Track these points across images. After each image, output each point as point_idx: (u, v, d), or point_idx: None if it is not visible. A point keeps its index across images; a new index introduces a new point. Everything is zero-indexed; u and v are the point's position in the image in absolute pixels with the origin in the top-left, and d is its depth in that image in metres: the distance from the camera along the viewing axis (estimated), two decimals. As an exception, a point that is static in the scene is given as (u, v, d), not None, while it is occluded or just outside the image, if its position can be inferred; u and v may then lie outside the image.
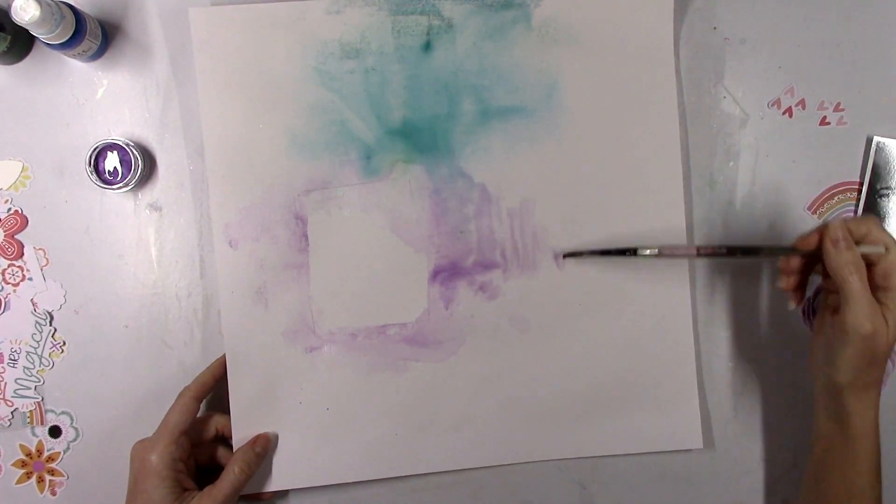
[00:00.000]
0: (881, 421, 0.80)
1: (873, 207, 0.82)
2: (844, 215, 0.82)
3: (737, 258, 0.76)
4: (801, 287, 0.73)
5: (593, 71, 0.79)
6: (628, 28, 0.79)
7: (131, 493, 0.72)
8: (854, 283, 0.66)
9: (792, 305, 0.73)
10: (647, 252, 0.74)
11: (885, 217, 0.82)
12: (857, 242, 0.67)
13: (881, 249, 0.67)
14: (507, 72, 0.78)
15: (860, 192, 0.82)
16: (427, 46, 0.78)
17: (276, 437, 0.78)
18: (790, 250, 0.71)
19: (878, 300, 0.67)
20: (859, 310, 0.65)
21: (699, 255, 0.75)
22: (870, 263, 0.67)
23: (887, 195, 0.82)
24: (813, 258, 0.70)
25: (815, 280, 0.81)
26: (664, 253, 0.74)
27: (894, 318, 0.66)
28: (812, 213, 0.82)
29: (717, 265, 0.82)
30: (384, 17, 0.77)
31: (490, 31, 0.78)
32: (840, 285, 0.67)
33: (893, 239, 0.67)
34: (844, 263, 0.66)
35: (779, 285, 0.73)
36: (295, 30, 0.77)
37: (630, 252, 0.75)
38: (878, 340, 0.66)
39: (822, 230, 0.69)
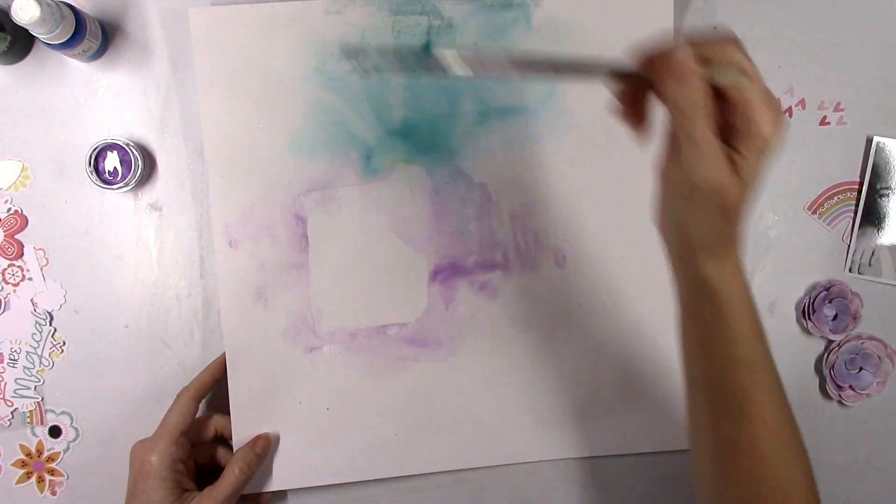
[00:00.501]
0: (881, 421, 0.81)
1: (873, 207, 0.82)
2: (837, 221, 0.82)
3: (561, 78, 0.55)
4: (638, 110, 0.57)
5: (593, 71, 0.79)
6: (628, 28, 0.79)
7: (131, 493, 0.72)
8: (693, 126, 0.49)
9: (635, 135, 0.58)
10: (445, 51, 0.53)
11: (885, 217, 0.82)
12: (708, 67, 0.50)
13: (737, 78, 0.50)
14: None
15: (860, 192, 0.82)
16: (427, 46, 0.78)
17: (277, 437, 0.78)
18: (625, 71, 0.54)
19: (728, 143, 0.50)
20: (699, 161, 0.50)
21: (516, 69, 0.54)
22: (722, 97, 0.50)
23: (887, 195, 0.82)
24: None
25: (824, 277, 0.81)
26: (464, 55, 0.53)
27: (749, 166, 0.50)
28: (812, 213, 0.82)
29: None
30: (384, 17, 0.77)
31: (490, 31, 0.78)
32: (675, 127, 0.51)
33: (753, 64, 0.50)
34: (681, 99, 0.49)
35: (610, 110, 0.58)
36: (295, 30, 0.77)
37: (425, 50, 0.64)
38: (728, 196, 0.51)
39: (662, 53, 0.51)
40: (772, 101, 0.50)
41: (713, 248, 0.55)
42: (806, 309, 0.82)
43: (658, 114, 0.54)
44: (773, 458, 0.57)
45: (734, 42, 0.50)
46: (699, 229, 0.54)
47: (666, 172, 0.56)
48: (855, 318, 0.81)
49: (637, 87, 0.55)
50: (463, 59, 0.53)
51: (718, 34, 0.51)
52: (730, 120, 0.50)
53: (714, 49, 0.50)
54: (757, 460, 0.57)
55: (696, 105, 0.49)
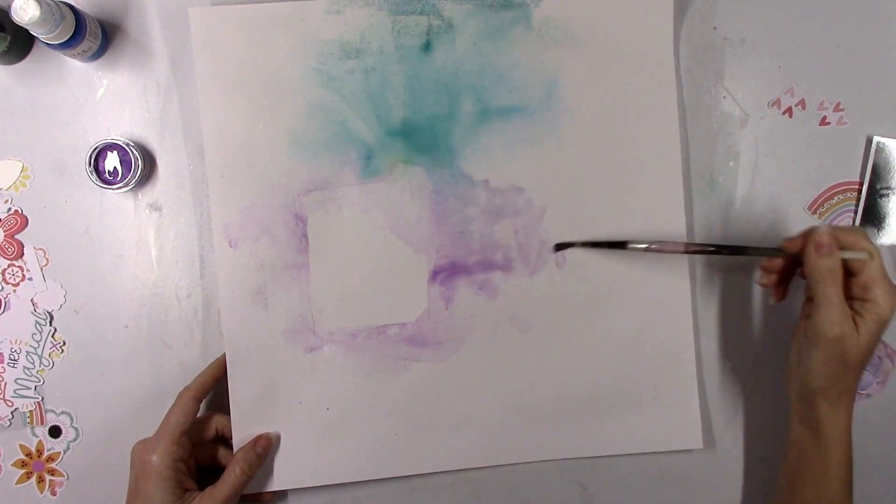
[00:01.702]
0: (881, 421, 0.81)
1: (873, 207, 0.82)
2: (838, 221, 0.82)
3: (724, 255, 0.77)
4: (782, 284, 0.75)
5: (593, 71, 0.79)
6: (628, 28, 0.79)
7: (132, 493, 0.72)
8: (826, 287, 0.66)
9: (772, 300, 0.76)
10: (637, 246, 0.75)
11: (885, 217, 0.82)
12: (842, 249, 0.67)
13: (864, 256, 0.67)
14: (507, 72, 0.78)
15: (860, 192, 0.82)
16: (427, 46, 0.78)
17: (278, 437, 0.78)
18: (775, 251, 0.72)
19: (852, 308, 0.67)
20: (828, 314, 0.66)
21: (687, 251, 0.75)
22: (851, 273, 0.68)
23: (887, 195, 0.82)
24: (797, 261, 0.71)
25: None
26: (652, 248, 0.75)
27: (867, 328, 0.66)
28: (812, 213, 0.82)
29: (717, 265, 0.82)
30: (384, 17, 0.77)
31: (490, 31, 0.78)
32: (814, 289, 0.68)
33: (877, 250, 0.67)
34: (820, 267, 0.67)
35: (758, 280, 0.76)
36: (295, 30, 0.77)
37: (620, 245, 0.76)
38: (847, 346, 0.66)
39: (807, 234, 0.69)
40: (891, 284, 0.67)
41: (829, 391, 0.69)
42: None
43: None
44: None
45: (863, 233, 0.68)
46: (820, 372, 0.68)
47: (801, 325, 0.71)
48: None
49: (785, 265, 0.73)
50: (649, 249, 0.75)
51: (851, 227, 0.71)
52: (856, 292, 0.67)
53: (847, 235, 0.68)
54: None
55: (831, 272, 0.67)
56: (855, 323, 0.66)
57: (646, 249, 0.75)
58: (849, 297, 0.68)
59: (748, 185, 0.82)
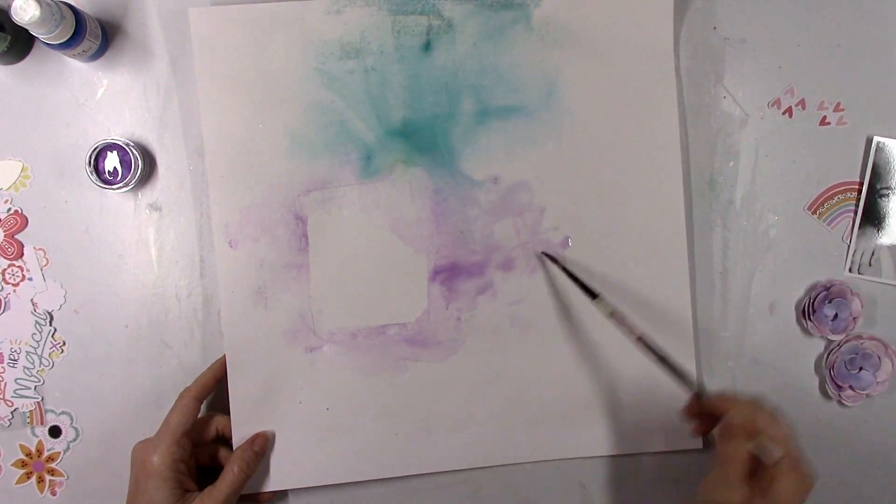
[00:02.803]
0: (881, 421, 0.80)
1: (873, 207, 0.82)
2: (837, 220, 0.82)
3: (663, 367, 0.71)
4: (706, 428, 0.72)
5: (593, 71, 0.79)
6: (628, 28, 0.79)
7: (132, 494, 0.72)
8: (727, 467, 0.64)
9: (691, 434, 0.74)
10: (604, 305, 0.74)
11: (885, 217, 0.82)
12: (756, 435, 0.63)
13: (773, 454, 0.63)
14: (507, 72, 0.78)
15: (860, 192, 0.82)
16: (427, 46, 0.78)
17: (274, 435, 0.78)
18: (698, 396, 0.69)
19: (756, 486, 0.63)
20: (724, 491, 0.63)
21: (637, 340, 0.72)
22: (762, 457, 0.64)
23: (887, 195, 0.82)
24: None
25: (824, 277, 0.81)
26: (614, 316, 0.74)
27: None
28: (812, 213, 0.82)
29: (717, 264, 0.82)
30: (384, 17, 0.77)
31: (490, 32, 0.78)
32: (717, 461, 0.65)
33: (792, 448, 0.63)
34: (727, 450, 0.64)
35: (684, 416, 0.72)
36: (295, 30, 0.77)
37: (591, 295, 0.75)
38: None
39: (728, 402, 0.67)
40: (800, 477, 0.63)
41: None
42: (806, 309, 0.82)
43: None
44: None
45: (785, 424, 0.64)
46: None
47: (700, 488, 0.66)
48: (855, 318, 0.81)
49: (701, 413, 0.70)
50: (611, 315, 0.74)
51: (774, 417, 0.64)
52: (761, 476, 0.63)
53: (768, 423, 0.64)
54: None
55: (735, 456, 0.63)
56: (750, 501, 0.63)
57: (608, 314, 0.74)
58: (753, 473, 0.64)
59: (748, 185, 0.82)
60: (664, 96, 0.79)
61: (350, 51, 0.77)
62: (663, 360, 0.71)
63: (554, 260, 0.79)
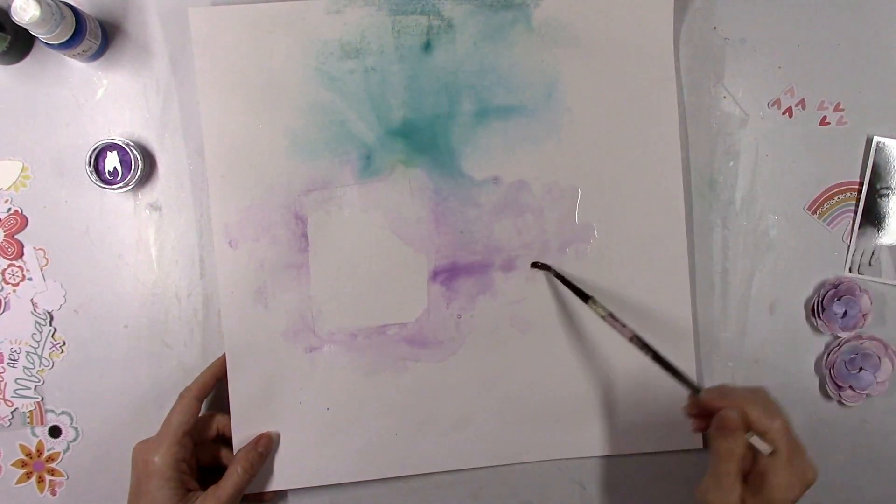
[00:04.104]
0: (881, 421, 0.80)
1: (873, 207, 0.82)
2: (837, 220, 0.82)
3: (661, 367, 0.69)
4: (705, 424, 0.68)
5: (593, 71, 0.79)
6: (628, 28, 0.79)
7: (134, 495, 0.72)
8: (722, 464, 0.63)
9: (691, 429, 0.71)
10: (596, 308, 0.73)
11: (884, 217, 0.82)
12: (751, 430, 0.63)
13: (766, 449, 0.62)
14: (507, 72, 0.78)
15: (860, 192, 0.82)
16: (427, 46, 0.78)
17: (279, 436, 0.78)
18: (696, 391, 0.67)
19: (749, 484, 0.63)
20: (718, 491, 0.63)
21: (631, 339, 0.70)
22: (756, 454, 0.63)
23: (887, 195, 0.82)
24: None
25: (823, 277, 0.81)
26: (606, 318, 0.72)
27: None
28: (812, 213, 0.82)
29: (717, 264, 0.82)
30: (384, 17, 0.77)
31: (490, 31, 0.78)
32: (714, 463, 0.64)
33: (788, 442, 0.62)
34: (720, 447, 0.63)
35: (685, 412, 0.70)
36: (295, 30, 0.77)
37: (584, 297, 0.74)
38: None
39: (723, 398, 0.65)
40: (795, 471, 0.62)
41: None
42: (815, 307, 0.82)
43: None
44: None
45: (782, 419, 0.63)
46: None
47: (697, 489, 0.66)
48: (864, 315, 0.81)
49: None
50: (604, 318, 0.73)
51: (770, 410, 0.63)
52: (754, 474, 0.63)
53: (762, 417, 0.62)
54: None
55: (730, 451, 0.62)
56: (744, 501, 0.62)
57: (602, 316, 0.73)
58: (749, 472, 0.63)
59: (748, 185, 0.82)
60: (664, 96, 0.79)
61: (350, 51, 0.77)
62: (659, 358, 0.69)
63: (546, 268, 0.79)
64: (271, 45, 0.77)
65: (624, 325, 0.72)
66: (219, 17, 0.76)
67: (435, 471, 0.80)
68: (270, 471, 0.78)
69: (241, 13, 0.76)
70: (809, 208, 0.82)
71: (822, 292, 0.81)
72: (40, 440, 0.80)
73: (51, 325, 0.79)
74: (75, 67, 0.79)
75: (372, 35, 0.77)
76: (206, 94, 0.77)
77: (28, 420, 0.79)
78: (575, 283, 0.76)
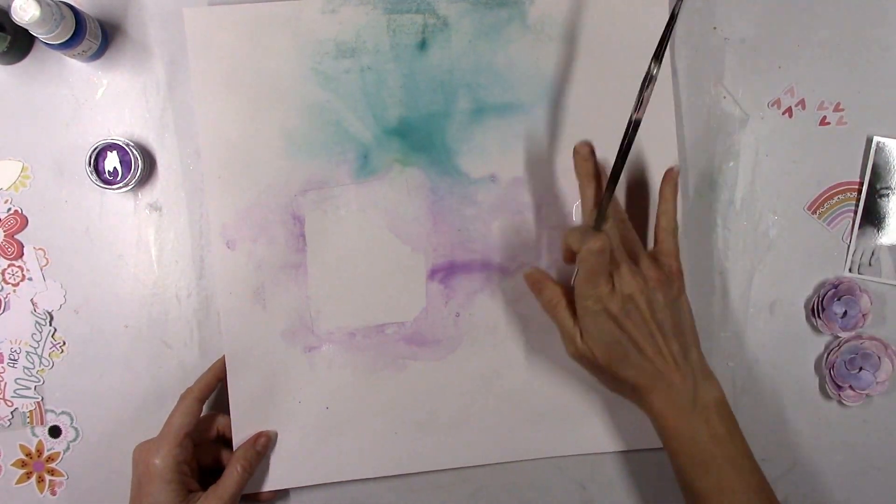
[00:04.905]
0: (881, 421, 0.80)
1: (873, 207, 0.81)
2: (837, 220, 0.82)
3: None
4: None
5: (589, 68, 0.79)
6: (624, 26, 0.79)
7: (135, 496, 0.72)
8: (555, 319, 0.72)
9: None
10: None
11: (885, 217, 0.81)
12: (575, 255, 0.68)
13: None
14: (503, 69, 0.78)
15: (860, 192, 0.82)
16: (423, 45, 0.78)
17: (276, 434, 0.78)
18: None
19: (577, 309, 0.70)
20: (568, 345, 0.72)
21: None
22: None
23: (887, 195, 0.81)
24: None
25: (823, 277, 0.81)
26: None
27: (589, 336, 0.69)
28: (812, 213, 0.82)
29: (717, 264, 0.82)
30: (379, 16, 0.78)
31: (485, 29, 0.78)
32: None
33: (586, 265, 0.67)
34: (543, 301, 0.73)
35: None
36: (290, 29, 0.77)
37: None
38: (585, 361, 0.71)
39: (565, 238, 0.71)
40: (587, 287, 0.67)
41: (625, 392, 0.72)
42: (815, 307, 0.81)
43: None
44: None
45: (590, 243, 0.65)
46: (603, 382, 0.73)
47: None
48: (864, 315, 0.81)
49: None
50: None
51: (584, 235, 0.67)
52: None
53: (575, 244, 0.67)
54: None
55: (550, 303, 0.72)
56: (579, 327, 0.70)
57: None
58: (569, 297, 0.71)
59: (748, 185, 0.82)
60: (661, 94, 0.79)
61: (345, 50, 0.78)
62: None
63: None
64: (266, 46, 0.77)
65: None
66: (213, 17, 0.77)
67: (434, 469, 0.80)
68: (270, 470, 0.78)
69: (236, 13, 0.77)
70: (809, 208, 0.82)
71: (822, 292, 0.81)
72: (40, 440, 0.80)
73: (51, 325, 0.79)
74: (75, 67, 0.79)
75: (367, 34, 0.78)
76: (201, 95, 0.77)
77: (28, 420, 0.80)
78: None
